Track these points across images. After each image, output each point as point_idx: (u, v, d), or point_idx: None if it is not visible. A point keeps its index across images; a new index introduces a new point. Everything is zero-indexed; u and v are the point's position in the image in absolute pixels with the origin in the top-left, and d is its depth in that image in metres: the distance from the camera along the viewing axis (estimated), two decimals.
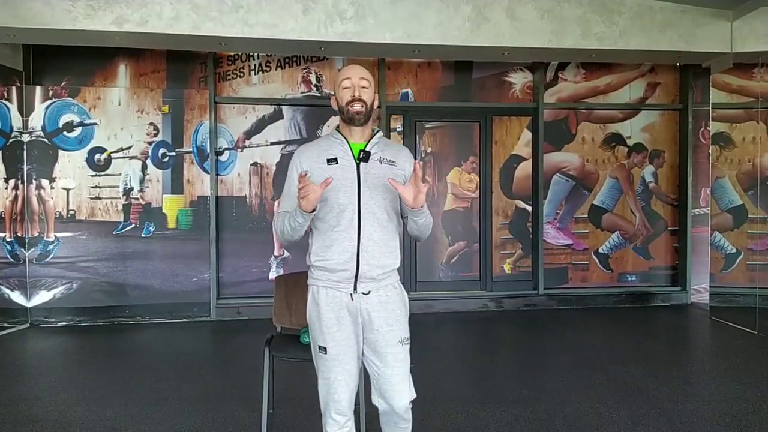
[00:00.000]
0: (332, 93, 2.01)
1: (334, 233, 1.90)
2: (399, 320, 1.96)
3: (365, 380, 2.10)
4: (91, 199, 5.19)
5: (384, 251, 1.92)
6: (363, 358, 1.98)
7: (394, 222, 1.98)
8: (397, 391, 1.92)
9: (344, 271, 1.89)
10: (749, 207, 5.59)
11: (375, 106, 1.95)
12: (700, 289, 5.93)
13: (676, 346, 4.52)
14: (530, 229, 5.84)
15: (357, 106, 1.88)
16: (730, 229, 5.66)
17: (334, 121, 5.50)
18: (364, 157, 1.91)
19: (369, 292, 1.91)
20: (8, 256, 5.07)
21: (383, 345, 1.92)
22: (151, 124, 5.23)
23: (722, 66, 5.25)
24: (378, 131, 2.00)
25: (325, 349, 1.91)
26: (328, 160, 1.91)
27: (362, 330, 1.94)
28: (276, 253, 5.50)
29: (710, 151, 5.60)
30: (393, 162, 1.95)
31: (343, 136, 1.95)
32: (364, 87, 1.90)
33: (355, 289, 1.90)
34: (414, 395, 1.98)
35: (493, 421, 2.98)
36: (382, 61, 5.47)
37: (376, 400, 1.98)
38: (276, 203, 5.49)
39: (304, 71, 5.50)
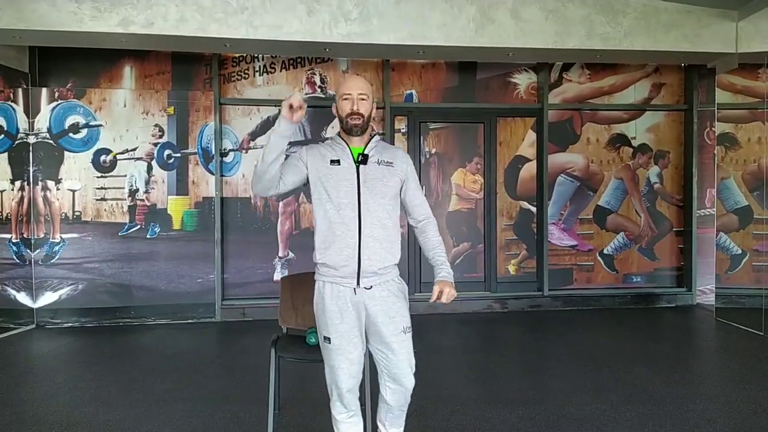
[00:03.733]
0: (334, 101, 2.17)
1: (336, 231, 2.03)
2: (400, 311, 2.12)
3: (371, 371, 2.22)
4: (97, 200, 5.21)
5: (384, 247, 2.07)
6: (369, 347, 2.16)
7: (393, 220, 2.12)
8: (405, 374, 2.14)
9: (346, 267, 2.03)
10: (755, 208, 5.56)
11: (372, 116, 2.13)
12: (705, 291, 5.91)
13: (681, 348, 4.50)
14: (535, 230, 5.83)
15: (355, 119, 2.05)
16: (735, 229, 5.63)
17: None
18: (362, 159, 2.08)
19: (371, 287, 2.06)
20: (14, 257, 5.09)
21: (389, 335, 2.08)
22: (156, 125, 5.25)
23: (727, 66, 5.23)
24: (375, 135, 2.18)
25: (329, 339, 2.09)
26: (332, 161, 2.08)
27: (366, 321, 2.09)
28: (281, 254, 5.51)
29: (715, 152, 5.57)
30: (390, 163, 2.13)
31: (343, 140, 2.12)
32: (362, 99, 2.06)
33: (358, 283, 2.05)
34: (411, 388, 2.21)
35: (498, 421, 2.98)
36: (387, 62, 5.47)
37: (384, 387, 2.18)
38: (281, 204, 5.50)
39: (309, 72, 5.51)
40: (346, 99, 2.06)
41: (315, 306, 2.14)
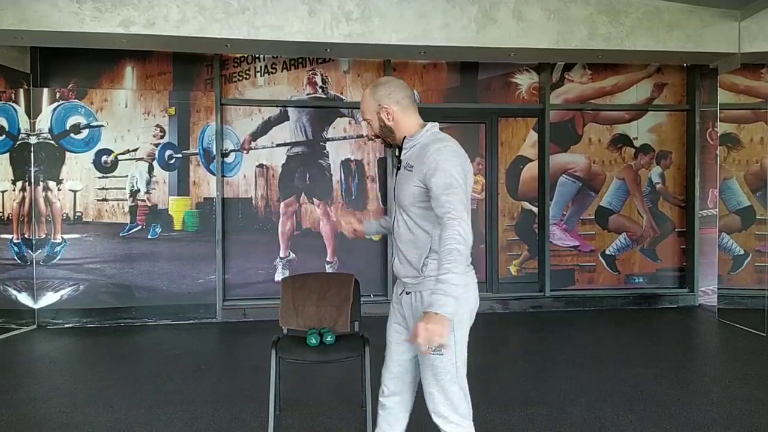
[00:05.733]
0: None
1: (392, 237, 2.05)
2: None
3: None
4: (98, 200, 5.21)
5: (401, 258, 1.96)
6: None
7: (415, 231, 1.90)
8: (425, 395, 1.92)
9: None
10: (757, 208, 5.54)
11: (386, 123, 1.96)
12: (707, 291, 5.90)
13: (683, 348, 4.49)
14: (536, 230, 5.82)
15: (377, 140, 2.18)
16: (738, 230, 5.61)
17: (340, 122, 5.51)
18: (399, 164, 2.00)
19: (404, 293, 1.97)
20: (15, 257, 5.09)
21: (417, 347, 1.87)
22: (157, 125, 5.25)
23: (730, 66, 5.22)
24: (419, 133, 1.96)
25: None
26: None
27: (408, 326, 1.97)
28: (282, 255, 5.50)
29: (718, 152, 5.56)
30: (412, 167, 1.89)
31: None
32: (368, 122, 2.04)
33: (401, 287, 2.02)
34: (441, 415, 1.90)
35: (500, 423, 2.97)
36: (388, 62, 5.46)
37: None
38: (282, 204, 5.48)
39: (310, 73, 5.50)
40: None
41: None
